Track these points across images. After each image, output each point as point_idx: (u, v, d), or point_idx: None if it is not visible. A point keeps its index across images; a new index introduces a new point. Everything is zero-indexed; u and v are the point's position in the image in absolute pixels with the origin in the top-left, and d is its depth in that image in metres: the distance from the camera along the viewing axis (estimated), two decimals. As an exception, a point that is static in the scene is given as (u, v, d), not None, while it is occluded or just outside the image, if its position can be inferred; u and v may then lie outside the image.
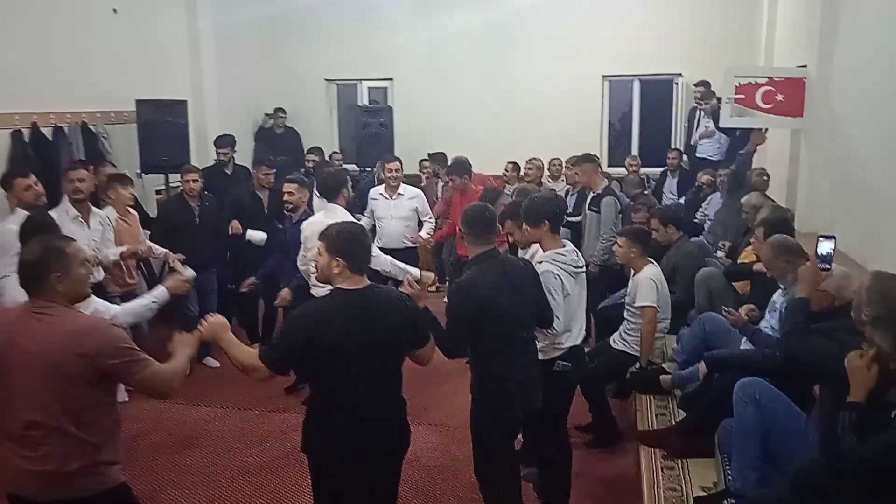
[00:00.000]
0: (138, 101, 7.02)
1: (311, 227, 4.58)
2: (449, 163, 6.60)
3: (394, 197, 6.11)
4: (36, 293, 2.44)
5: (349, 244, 2.74)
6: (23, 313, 2.45)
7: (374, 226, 6.15)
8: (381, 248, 5.21)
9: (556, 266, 3.54)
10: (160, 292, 3.50)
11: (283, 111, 9.59)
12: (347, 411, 2.71)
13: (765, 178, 6.16)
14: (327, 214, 4.67)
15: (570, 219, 5.95)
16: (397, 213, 6.11)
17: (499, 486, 3.35)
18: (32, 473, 2.37)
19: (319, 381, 2.76)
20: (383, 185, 6.27)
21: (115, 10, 7.17)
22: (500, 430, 3.31)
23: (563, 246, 3.63)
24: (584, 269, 3.77)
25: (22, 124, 6.03)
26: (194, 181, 5.80)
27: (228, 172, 7.07)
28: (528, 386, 3.33)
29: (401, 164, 6.21)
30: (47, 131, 6.28)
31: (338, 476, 2.79)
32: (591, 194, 5.99)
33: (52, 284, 2.42)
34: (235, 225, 6.09)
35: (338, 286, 2.74)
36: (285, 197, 5.27)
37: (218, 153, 7.10)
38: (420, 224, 6.29)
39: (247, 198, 6.32)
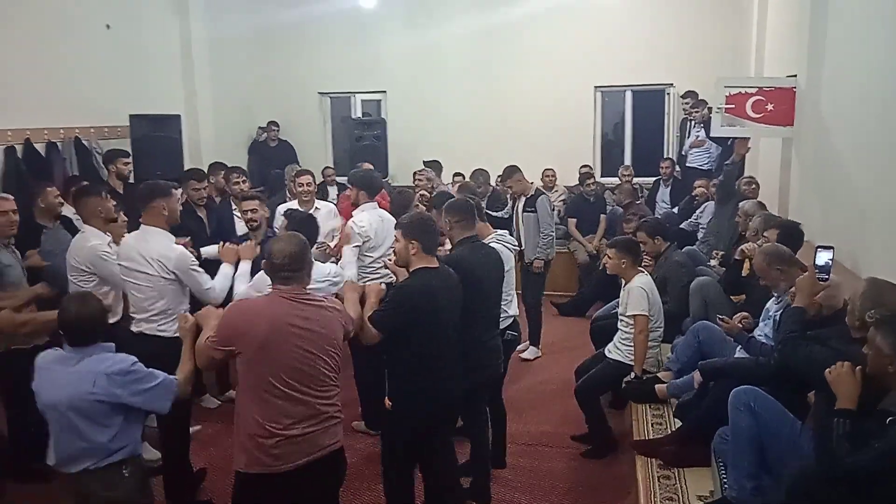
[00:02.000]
0: (131, 116, 7.04)
1: (376, 224, 4.79)
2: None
3: (311, 211, 5.52)
4: (295, 281, 2.81)
5: (422, 229, 3.32)
6: (288, 300, 2.77)
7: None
8: None
9: (502, 245, 4.26)
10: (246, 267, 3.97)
11: (276, 124, 9.61)
12: (436, 369, 3.29)
13: (753, 186, 6.20)
14: (371, 212, 4.90)
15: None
16: None
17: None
18: (327, 431, 2.83)
19: (416, 344, 3.24)
20: (295, 201, 5.77)
21: (108, 26, 7.21)
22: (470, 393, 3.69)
23: (497, 231, 4.41)
24: (518, 247, 4.69)
25: (15, 140, 6.03)
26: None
27: (120, 192, 5.86)
28: (494, 354, 3.90)
29: (313, 177, 5.85)
30: (41, 147, 6.28)
31: (421, 428, 3.36)
32: (525, 198, 6.31)
33: (307, 272, 2.87)
34: (187, 245, 5.55)
35: (420, 266, 3.29)
36: (249, 214, 4.85)
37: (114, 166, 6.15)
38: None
39: (186, 218, 5.53)
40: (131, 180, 6.39)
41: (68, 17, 6.70)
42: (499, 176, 7.03)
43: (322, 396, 2.81)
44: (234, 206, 5.77)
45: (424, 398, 3.29)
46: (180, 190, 4.88)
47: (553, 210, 6.49)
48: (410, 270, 3.32)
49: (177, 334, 3.67)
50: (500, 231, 4.45)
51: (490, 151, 8.89)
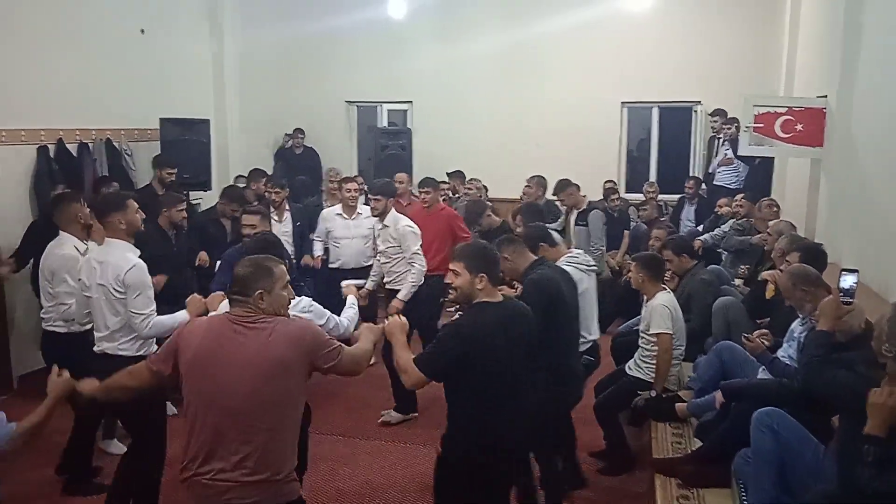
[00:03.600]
0: (162, 119, 7.13)
1: (408, 229, 5.23)
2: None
3: (352, 217, 6.10)
4: (240, 305, 2.62)
5: (488, 259, 2.97)
6: (227, 321, 2.60)
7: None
8: (337, 269, 5.80)
9: (572, 267, 4.08)
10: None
11: (302, 132, 9.68)
12: (493, 414, 2.88)
13: (775, 209, 6.15)
14: (399, 218, 5.33)
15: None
16: (357, 232, 6.08)
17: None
18: (247, 485, 2.47)
19: (470, 387, 2.88)
20: (339, 206, 6.20)
21: (142, 31, 7.32)
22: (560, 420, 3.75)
23: (570, 252, 4.22)
24: (595, 267, 4.43)
25: (48, 140, 6.14)
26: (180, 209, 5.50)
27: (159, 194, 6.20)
28: (577, 378, 3.82)
29: (358, 183, 6.17)
30: (72, 147, 6.39)
31: (474, 475, 2.92)
32: (577, 211, 6.53)
33: (260, 299, 2.60)
34: (203, 256, 5.72)
35: (482, 300, 2.91)
36: (247, 230, 4.78)
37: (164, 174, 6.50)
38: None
39: (210, 226, 6.12)
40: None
41: (104, 20, 6.82)
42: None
43: (244, 442, 2.47)
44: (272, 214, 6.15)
45: (480, 450, 2.90)
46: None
47: (605, 224, 6.59)
48: (469, 306, 2.97)
49: (140, 352, 3.57)
50: (572, 252, 4.29)
51: (515, 164, 8.89)
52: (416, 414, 5.31)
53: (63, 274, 4.11)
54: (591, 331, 4.21)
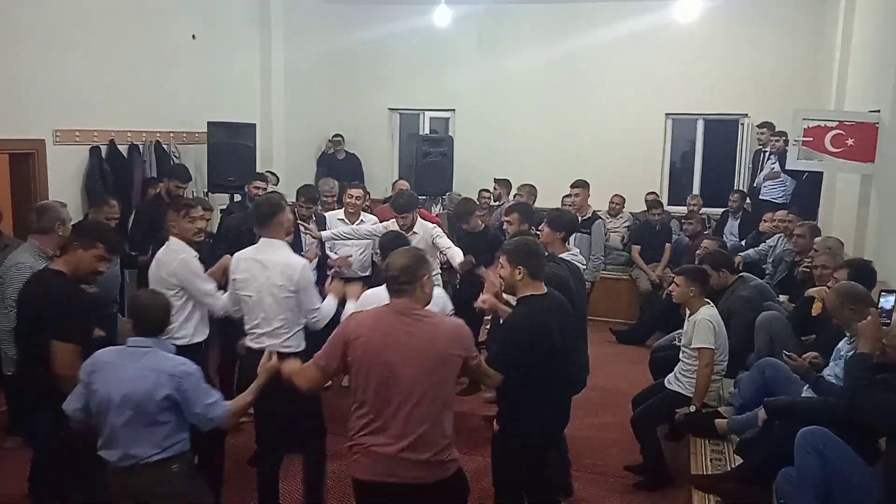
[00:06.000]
0: (209, 123, 7.27)
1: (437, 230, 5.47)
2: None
3: (355, 223, 5.91)
4: (406, 294, 2.76)
5: (528, 253, 3.22)
6: (397, 313, 2.75)
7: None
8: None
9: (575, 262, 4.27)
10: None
11: (343, 137, 9.80)
12: (551, 399, 3.25)
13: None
14: (424, 223, 5.50)
15: None
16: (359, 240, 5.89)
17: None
18: (409, 462, 2.66)
19: (532, 374, 3.14)
20: (342, 211, 6.02)
21: (193, 37, 7.48)
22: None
23: (570, 248, 4.40)
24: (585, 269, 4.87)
25: (100, 140, 6.31)
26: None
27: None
28: (582, 370, 4.02)
29: (364, 192, 6.02)
30: (123, 149, 6.55)
31: (535, 454, 3.33)
32: (581, 218, 6.39)
33: (422, 288, 2.79)
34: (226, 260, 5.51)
35: (528, 293, 3.20)
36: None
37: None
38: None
39: (244, 233, 5.57)
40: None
41: (157, 26, 6.98)
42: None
43: (409, 424, 2.66)
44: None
45: (537, 430, 3.26)
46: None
47: (606, 236, 6.81)
48: (517, 298, 3.26)
49: (300, 348, 3.71)
50: (571, 249, 4.46)
51: (556, 174, 8.85)
52: None
53: (195, 278, 3.93)
54: None
